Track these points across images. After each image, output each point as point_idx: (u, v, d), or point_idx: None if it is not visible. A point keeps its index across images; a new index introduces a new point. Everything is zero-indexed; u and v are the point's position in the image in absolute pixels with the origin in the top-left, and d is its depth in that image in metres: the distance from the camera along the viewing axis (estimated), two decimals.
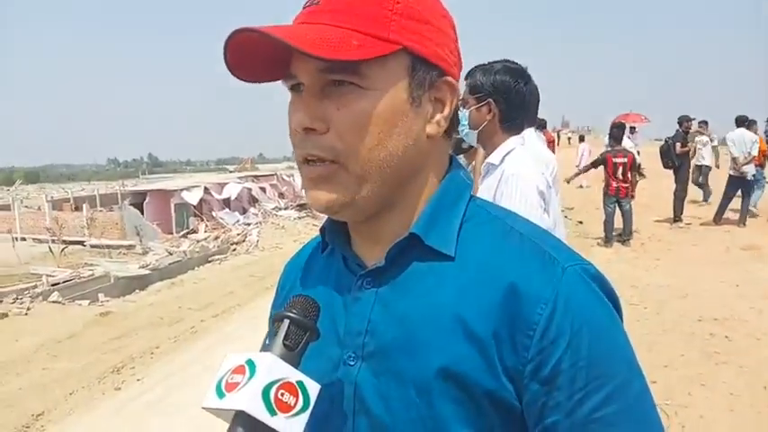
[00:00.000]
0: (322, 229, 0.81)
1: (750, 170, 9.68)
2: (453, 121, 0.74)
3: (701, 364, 4.58)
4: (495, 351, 0.64)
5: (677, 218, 10.34)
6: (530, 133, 2.36)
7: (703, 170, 12.21)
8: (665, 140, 10.62)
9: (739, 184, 9.71)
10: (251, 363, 0.62)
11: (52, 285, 13.63)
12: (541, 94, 2.55)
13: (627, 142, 10.16)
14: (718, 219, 10.03)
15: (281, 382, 0.62)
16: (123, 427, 5.54)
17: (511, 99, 2.09)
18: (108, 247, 21.31)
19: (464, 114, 2.10)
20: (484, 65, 2.15)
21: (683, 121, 10.11)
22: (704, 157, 12.06)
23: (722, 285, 6.71)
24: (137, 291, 14.16)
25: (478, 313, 0.65)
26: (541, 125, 9.88)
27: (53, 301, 12.49)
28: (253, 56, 0.66)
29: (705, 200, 12.23)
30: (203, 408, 0.64)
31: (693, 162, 11.74)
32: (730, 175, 9.74)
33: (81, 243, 22.53)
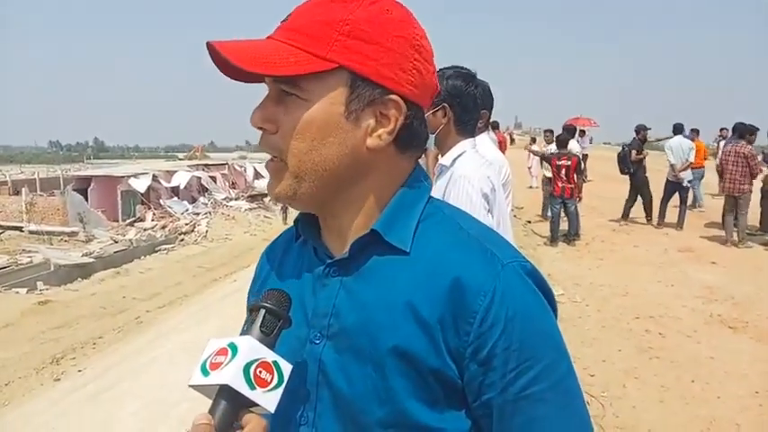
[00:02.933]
0: (296, 221, 0.89)
1: (687, 176, 10.16)
2: (406, 135, 0.78)
3: (636, 359, 4.81)
4: (441, 334, 0.72)
5: (625, 217, 10.84)
6: (482, 138, 2.44)
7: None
8: (623, 147, 11.06)
9: (676, 189, 10.21)
10: (233, 345, 0.71)
11: None
12: (495, 95, 2.63)
13: (574, 146, 10.46)
14: (660, 221, 10.49)
15: (259, 361, 0.70)
16: (62, 419, 5.37)
17: (464, 102, 2.17)
18: (48, 233, 20.47)
19: None
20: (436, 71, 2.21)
21: (640, 129, 10.52)
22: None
23: (659, 285, 7.04)
24: (79, 279, 13.66)
25: (427, 301, 0.73)
26: (494, 126, 10.11)
27: None
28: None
29: (545, 215, 11.67)
30: (190, 385, 0.72)
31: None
32: (668, 180, 10.23)
33: (19, 229, 21.55)
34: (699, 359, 4.77)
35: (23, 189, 24.89)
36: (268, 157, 0.79)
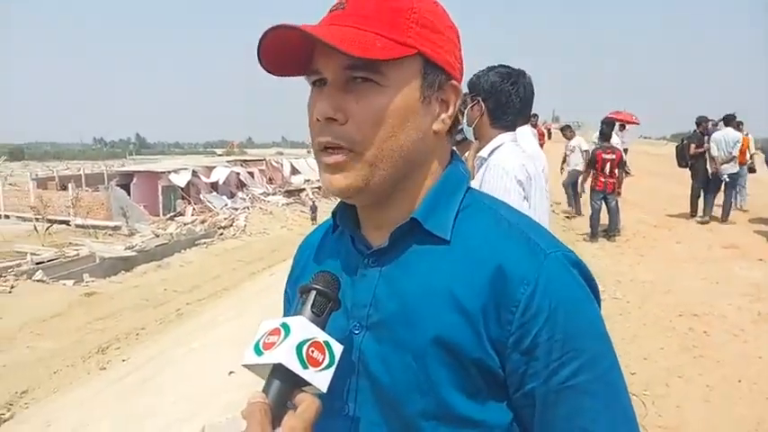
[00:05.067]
0: (334, 213, 0.88)
1: (728, 170, 9.63)
2: (455, 120, 0.82)
3: (679, 357, 4.67)
4: (483, 324, 0.72)
5: (693, 213, 10.47)
6: (524, 131, 2.45)
7: (573, 175, 10.97)
8: (682, 140, 10.71)
9: (718, 183, 9.87)
10: (285, 325, 0.72)
11: (36, 264, 13.48)
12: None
13: (615, 139, 10.20)
14: (708, 215, 10.17)
15: (311, 341, 0.71)
16: (108, 406, 5.55)
17: (497, 98, 2.24)
18: (93, 227, 21.15)
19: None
20: (483, 69, 2.31)
21: (701, 122, 10.18)
22: (576, 163, 10.83)
23: (703, 282, 6.82)
24: (122, 272, 14.10)
25: (469, 291, 0.73)
26: (533, 121, 9.94)
27: (37, 280, 12.42)
28: (280, 50, 0.73)
29: (577, 212, 11.11)
30: (243, 365, 0.73)
31: (567, 169, 11.19)
32: (711, 173, 9.89)
33: (66, 222, 22.33)
34: (746, 358, 4.61)
35: (70, 184, 25.75)
36: (302, 152, 0.78)
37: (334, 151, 0.75)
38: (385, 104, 0.73)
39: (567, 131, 12.00)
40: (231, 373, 4.62)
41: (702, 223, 9.87)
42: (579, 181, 10.50)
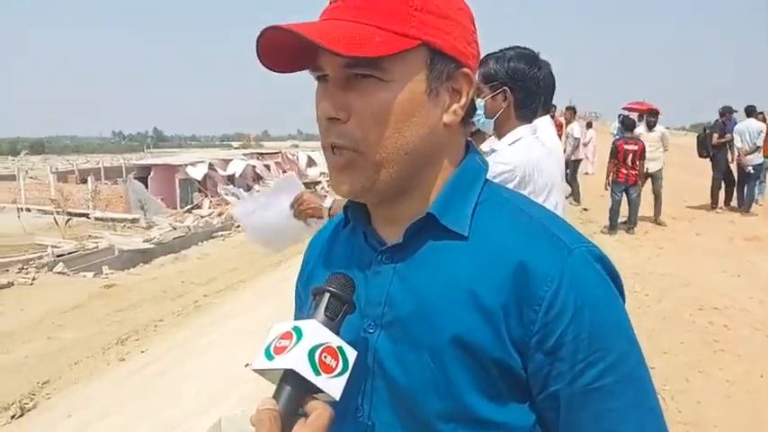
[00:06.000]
0: (345, 207, 0.85)
1: (753, 160, 9.56)
2: (469, 110, 0.77)
3: (699, 352, 4.61)
4: (504, 323, 0.69)
5: (714, 204, 10.35)
6: (544, 121, 2.36)
7: (572, 166, 10.92)
8: (704, 129, 10.60)
9: (744, 174, 9.80)
10: (297, 329, 0.69)
11: (57, 256, 13.68)
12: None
13: (659, 128, 9.80)
14: (747, 205, 10.03)
15: (324, 346, 0.68)
16: (128, 397, 5.62)
17: (527, 86, 2.07)
18: (112, 220, 21.39)
19: (479, 103, 2.08)
20: (496, 53, 2.12)
21: (725, 112, 10.08)
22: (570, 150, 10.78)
23: (724, 275, 6.72)
24: (141, 264, 14.26)
25: (489, 288, 0.70)
26: (552, 112, 9.78)
27: (58, 272, 12.62)
28: (282, 48, 0.70)
29: (577, 201, 11.02)
30: (253, 369, 0.70)
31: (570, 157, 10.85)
32: (739, 164, 9.82)
33: (85, 215, 22.61)
34: None
35: (89, 177, 26.04)
36: (318, 145, 0.76)
37: (339, 152, 0.72)
38: (388, 100, 0.69)
39: (567, 113, 11.70)
40: (248, 365, 4.64)
41: (746, 214, 9.81)
42: (586, 173, 10.31)
